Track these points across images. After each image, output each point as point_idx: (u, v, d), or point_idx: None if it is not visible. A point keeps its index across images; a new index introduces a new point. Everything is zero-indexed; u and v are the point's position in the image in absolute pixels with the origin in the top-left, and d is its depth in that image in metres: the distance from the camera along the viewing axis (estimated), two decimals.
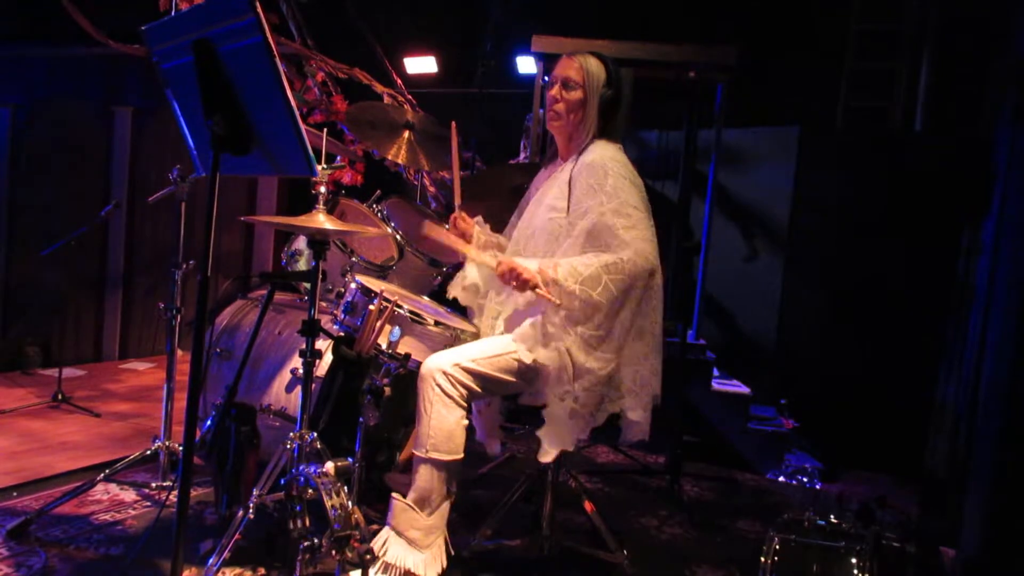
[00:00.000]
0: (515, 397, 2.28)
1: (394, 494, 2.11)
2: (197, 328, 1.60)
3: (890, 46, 4.59)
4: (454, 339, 2.35)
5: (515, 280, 2.09)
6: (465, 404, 2.10)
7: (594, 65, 2.26)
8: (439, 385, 2.07)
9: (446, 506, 2.13)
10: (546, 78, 2.41)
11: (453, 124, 2.47)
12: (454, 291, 2.48)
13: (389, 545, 2.07)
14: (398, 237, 3.05)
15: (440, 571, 2.10)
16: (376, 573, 2.03)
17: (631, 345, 2.14)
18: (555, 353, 2.08)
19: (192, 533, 2.38)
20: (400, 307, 2.26)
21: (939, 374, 3.25)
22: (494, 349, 2.15)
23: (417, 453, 2.09)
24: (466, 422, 2.12)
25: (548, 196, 2.31)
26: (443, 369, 2.07)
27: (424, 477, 2.08)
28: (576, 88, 2.25)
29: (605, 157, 2.20)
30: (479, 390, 2.12)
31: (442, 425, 2.07)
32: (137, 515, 2.59)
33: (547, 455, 2.14)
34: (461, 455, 2.10)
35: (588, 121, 2.27)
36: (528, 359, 2.11)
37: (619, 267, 2.06)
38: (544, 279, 2.07)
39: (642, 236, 2.10)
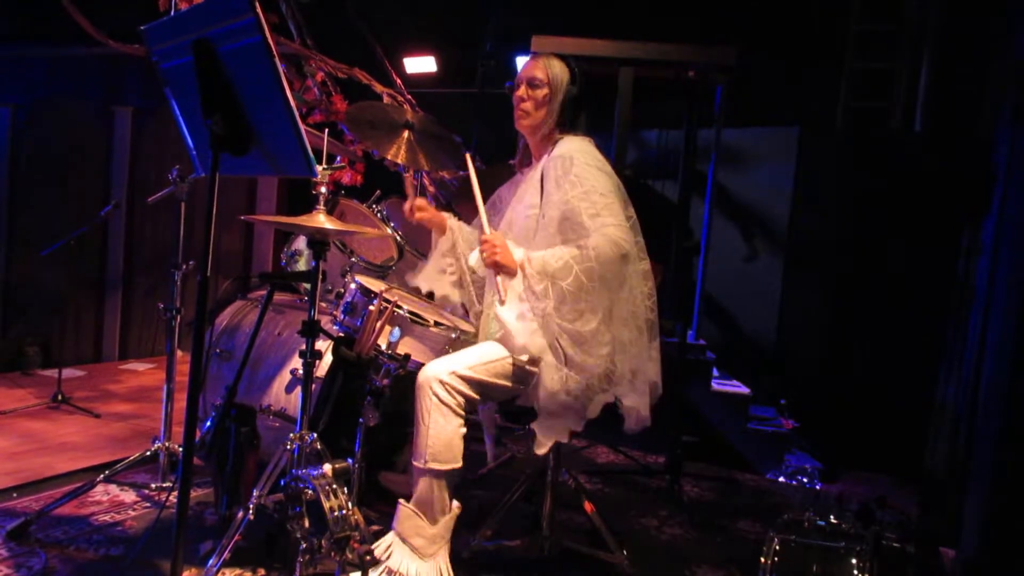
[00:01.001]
0: (513, 399, 2.28)
1: (401, 500, 2.11)
2: (197, 328, 1.60)
3: (890, 46, 4.58)
4: (454, 340, 2.35)
5: (491, 254, 2.12)
6: (463, 412, 2.10)
7: (557, 65, 2.32)
8: (436, 394, 2.07)
9: (451, 517, 2.13)
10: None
11: (468, 156, 2.46)
12: (430, 283, 2.48)
13: (393, 550, 2.06)
14: (398, 237, 3.05)
15: None
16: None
17: (617, 333, 2.15)
18: (546, 344, 2.09)
19: (192, 534, 2.37)
20: (400, 308, 2.26)
21: (939, 374, 3.25)
22: (490, 355, 2.16)
23: (416, 464, 2.08)
24: (464, 430, 2.11)
25: (526, 196, 2.35)
26: (439, 378, 2.07)
27: (424, 487, 2.08)
28: (541, 86, 2.30)
29: (572, 149, 2.24)
30: (477, 397, 2.12)
31: (440, 435, 2.06)
32: (137, 516, 2.59)
33: (541, 447, 2.16)
34: (460, 464, 2.10)
35: (555, 116, 2.31)
36: (523, 359, 2.11)
37: (587, 255, 2.08)
38: (521, 270, 2.11)
39: (608, 222, 2.11)
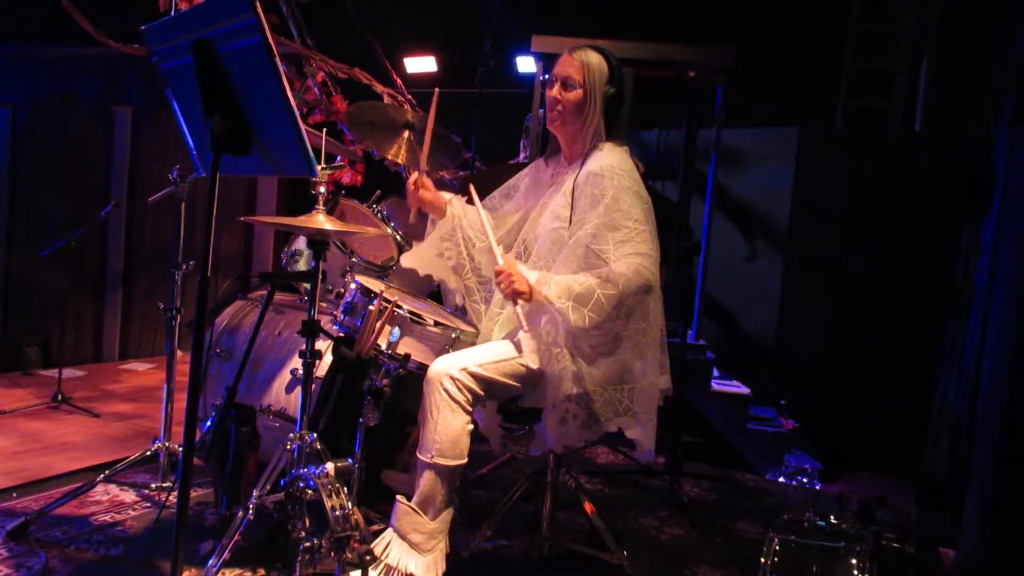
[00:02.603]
0: (514, 399, 2.28)
1: (399, 496, 2.11)
2: (197, 328, 1.60)
3: (890, 46, 4.59)
4: (454, 340, 2.35)
5: (508, 285, 2.06)
6: (471, 409, 2.09)
7: (595, 61, 2.20)
8: (447, 390, 2.05)
9: (449, 512, 2.12)
10: (545, 76, 2.37)
11: (436, 90, 2.39)
12: (427, 266, 2.42)
13: (391, 547, 2.06)
14: (398, 237, 3.05)
15: None
16: (377, 574, 2.03)
17: (630, 362, 2.12)
18: (555, 363, 2.08)
19: (192, 534, 2.37)
20: (400, 307, 2.26)
21: (939, 374, 3.25)
22: (501, 354, 2.14)
23: (422, 458, 2.07)
24: (471, 427, 2.10)
25: (553, 203, 2.27)
26: (450, 374, 2.06)
27: (428, 482, 2.07)
28: (577, 88, 2.19)
29: (610, 166, 2.14)
30: (482, 394, 2.11)
31: (448, 431, 2.05)
32: (137, 516, 2.59)
33: (537, 448, 2.21)
34: (465, 460, 2.09)
35: (591, 122, 2.21)
36: (535, 364, 2.11)
37: (613, 283, 2.02)
38: (536, 294, 2.05)
39: (637, 250, 2.06)
